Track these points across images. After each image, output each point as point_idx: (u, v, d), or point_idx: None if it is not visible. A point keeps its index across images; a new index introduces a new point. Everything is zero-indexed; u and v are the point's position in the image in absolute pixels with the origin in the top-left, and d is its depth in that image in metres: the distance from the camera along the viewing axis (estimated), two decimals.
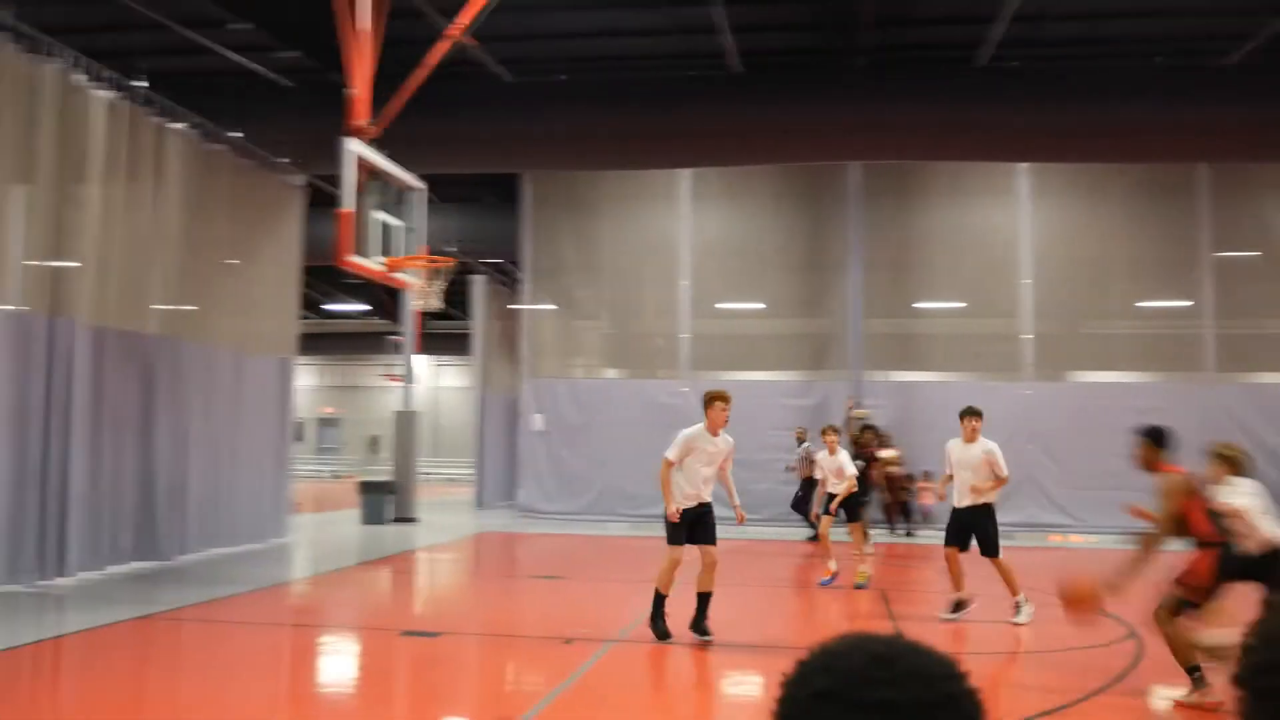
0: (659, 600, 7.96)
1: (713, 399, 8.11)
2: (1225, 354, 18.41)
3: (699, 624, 7.94)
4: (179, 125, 12.57)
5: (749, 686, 7.30)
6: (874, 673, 1.05)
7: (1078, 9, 13.95)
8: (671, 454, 7.98)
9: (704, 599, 7.99)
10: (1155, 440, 6.62)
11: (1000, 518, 18.35)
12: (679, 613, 7.96)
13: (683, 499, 7.97)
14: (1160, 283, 19.13)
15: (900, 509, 17.97)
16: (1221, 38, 14.69)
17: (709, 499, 8.13)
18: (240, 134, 14.08)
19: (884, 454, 17.74)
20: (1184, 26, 14.63)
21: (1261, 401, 18.20)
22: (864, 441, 15.10)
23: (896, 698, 1.03)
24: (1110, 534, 17.32)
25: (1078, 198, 18.78)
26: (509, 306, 24.50)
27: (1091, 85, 14.39)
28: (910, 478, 18.01)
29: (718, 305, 20.35)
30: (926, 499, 17.84)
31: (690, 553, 7.96)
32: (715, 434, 8.06)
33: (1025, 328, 18.66)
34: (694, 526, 8.01)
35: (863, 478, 14.94)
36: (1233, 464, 6.48)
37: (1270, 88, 14.00)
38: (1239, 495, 6.29)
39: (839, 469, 11.70)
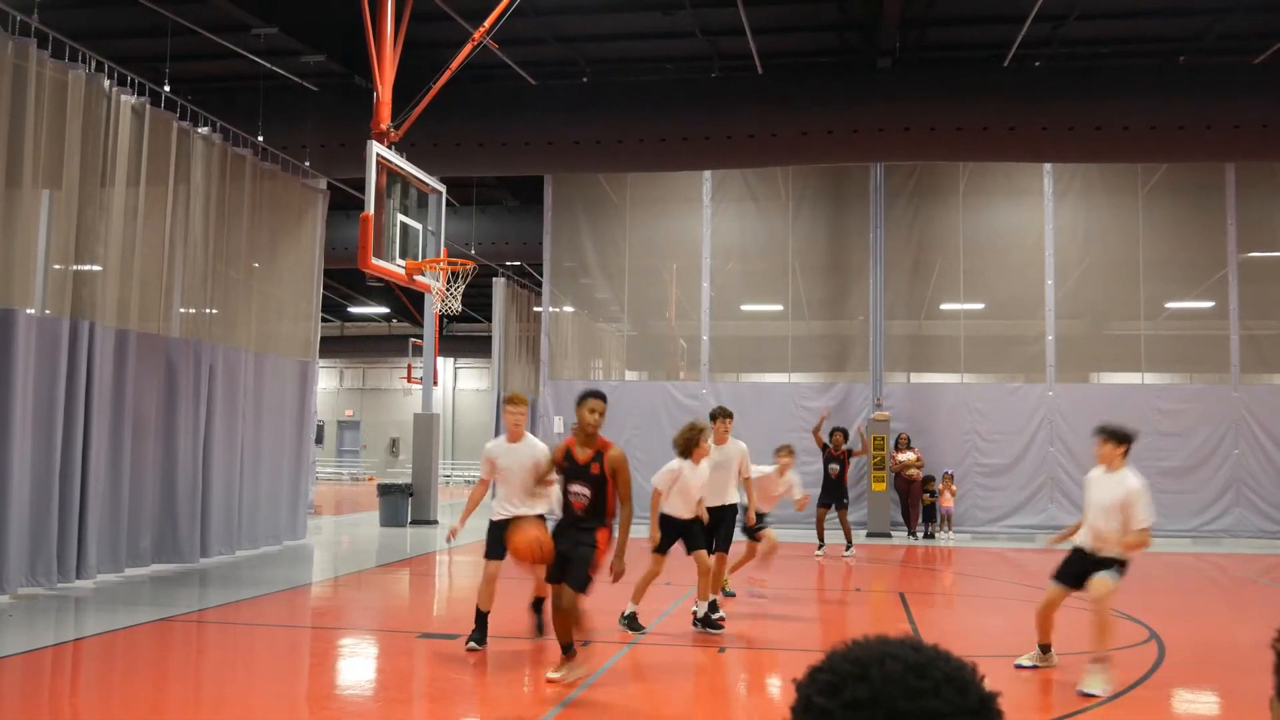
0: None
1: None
2: (1250, 355, 18.25)
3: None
4: (203, 130, 12.64)
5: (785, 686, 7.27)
6: (913, 681, 1.02)
7: (1102, 8, 13.87)
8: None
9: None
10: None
11: (1021, 519, 18.42)
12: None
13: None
14: (1185, 284, 19.00)
15: (922, 512, 17.88)
16: (1247, 36, 14.56)
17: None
18: (263, 138, 14.16)
19: (903, 457, 17.67)
20: (1209, 25, 14.51)
21: None
22: (834, 443, 14.98)
23: (939, 707, 1.01)
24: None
25: (1101, 198, 18.66)
26: (529, 309, 24.55)
27: (1115, 85, 14.30)
28: (931, 480, 17.92)
29: (738, 307, 20.33)
30: (946, 501, 17.77)
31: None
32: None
33: (1048, 329, 18.55)
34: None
35: (839, 480, 15.01)
36: None
37: None
38: None
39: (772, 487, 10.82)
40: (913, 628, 9.20)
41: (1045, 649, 7.41)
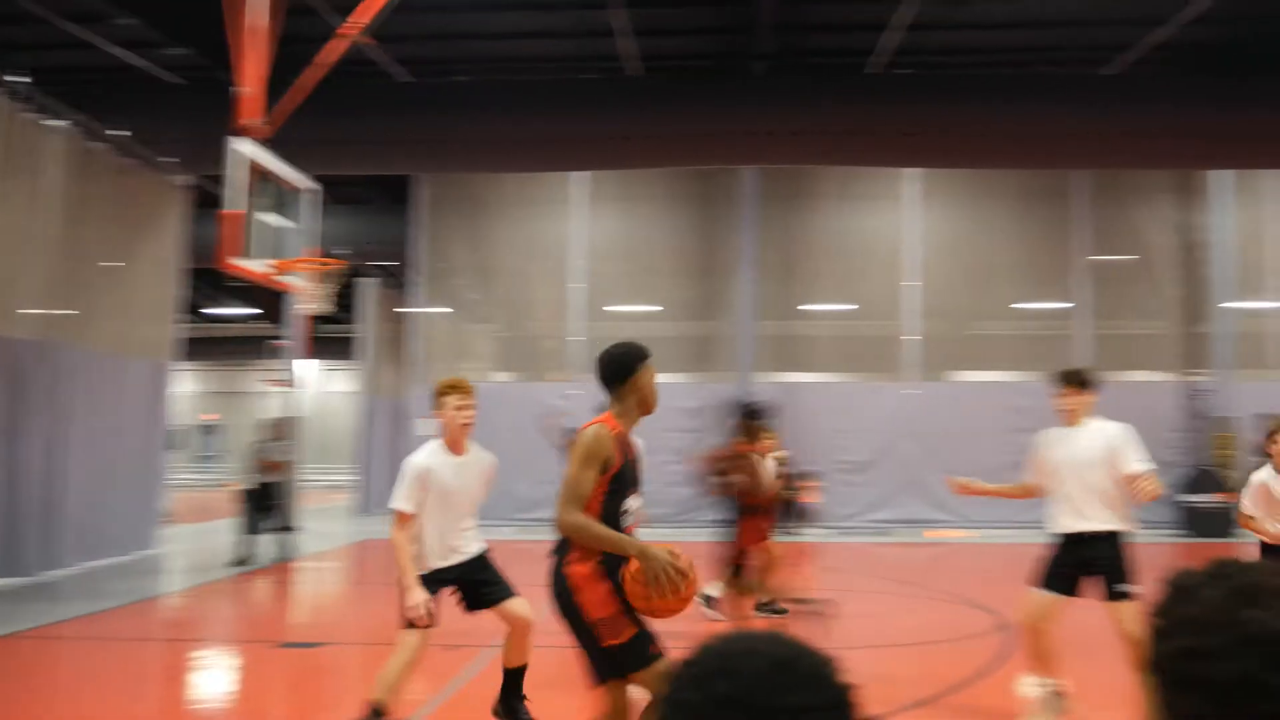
0: None
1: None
2: (1101, 354, 19.14)
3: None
4: (58, 123, 12.09)
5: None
6: (777, 677, 1.04)
7: (962, 19, 14.34)
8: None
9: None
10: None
11: (881, 515, 18.93)
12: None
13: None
14: (1040, 285, 19.81)
15: (787, 509, 18.19)
16: (1097, 48, 15.27)
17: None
18: (124, 132, 13.62)
19: (774, 455, 17.96)
20: (1061, 37, 15.16)
21: (1135, 400, 18.93)
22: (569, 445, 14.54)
23: (802, 702, 1.03)
24: (989, 528, 17.87)
25: (962, 202, 19.34)
26: (399, 310, 24.19)
27: (974, 93, 14.79)
28: (798, 476, 18.29)
29: (610, 308, 20.40)
30: (809, 497, 18.16)
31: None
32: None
33: (911, 329, 19.11)
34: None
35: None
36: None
37: (1145, 97, 14.55)
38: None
39: None
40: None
41: (1050, 684, 5.94)
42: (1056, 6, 14.22)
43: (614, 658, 3.94)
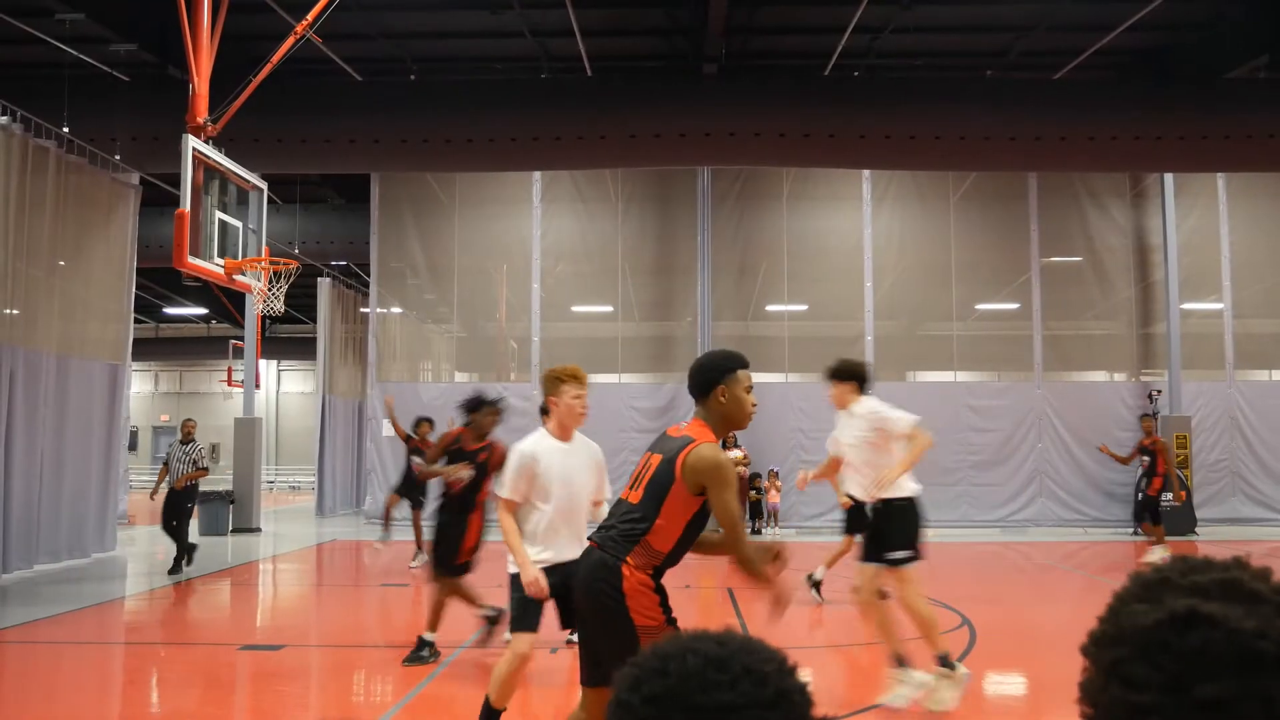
0: None
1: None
2: (1051, 354, 19.40)
3: None
4: (4, 119, 11.90)
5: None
6: (710, 675, 1.05)
7: (915, 22, 14.47)
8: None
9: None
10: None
11: (842, 514, 19.06)
12: None
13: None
14: (993, 286, 20.03)
15: (748, 508, 18.31)
16: (1046, 54, 15.49)
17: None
18: (69, 129, 13.42)
19: (732, 454, 18.06)
20: (1012, 42, 15.36)
21: (1082, 399, 19.22)
22: (420, 434, 13.60)
23: (733, 700, 1.04)
24: (946, 527, 18.04)
25: (916, 204, 19.50)
26: (356, 310, 24.04)
27: (928, 97, 14.95)
28: (758, 477, 18.39)
29: (569, 308, 20.38)
30: (773, 497, 18.25)
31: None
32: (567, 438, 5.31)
33: (867, 329, 19.25)
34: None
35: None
36: None
37: (1092, 101, 14.78)
38: None
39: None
40: (740, 622, 9.42)
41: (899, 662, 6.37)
42: (1003, 11, 14.44)
43: None
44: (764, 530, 18.15)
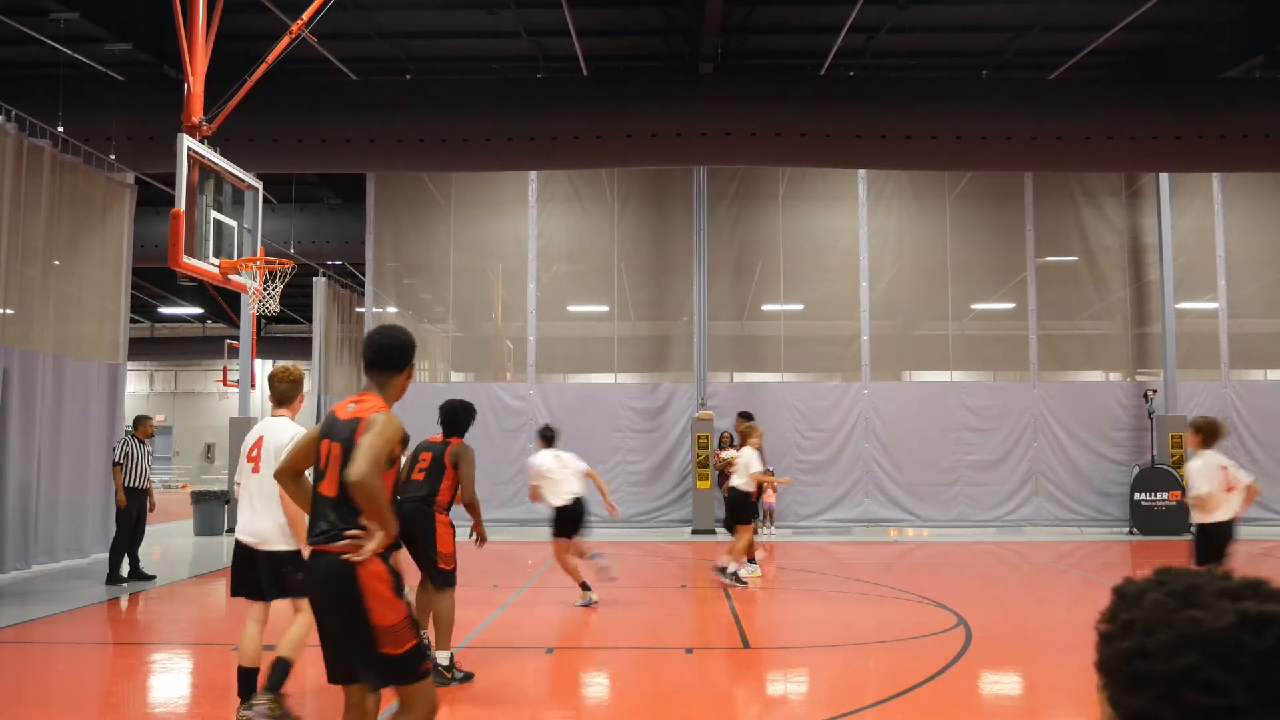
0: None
1: None
2: (1046, 354, 19.42)
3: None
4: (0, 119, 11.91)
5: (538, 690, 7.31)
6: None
7: (911, 22, 14.50)
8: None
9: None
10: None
11: (839, 514, 19.07)
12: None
13: None
14: (989, 286, 20.06)
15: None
16: (1042, 53, 15.52)
17: None
18: (65, 129, 13.40)
19: (726, 454, 18.04)
20: (1008, 41, 15.39)
21: (1077, 399, 19.24)
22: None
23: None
24: (942, 526, 18.07)
25: (911, 204, 19.51)
26: (351, 309, 24.01)
27: (924, 96, 14.96)
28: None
29: (565, 308, 20.37)
30: (770, 497, 18.24)
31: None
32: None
33: (863, 329, 19.26)
34: None
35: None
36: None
37: (1089, 101, 14.80)
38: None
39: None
40: (736, 622, 9.42)
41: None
42: (999, 11, 14.46)
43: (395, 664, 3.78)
44: (759, 530, 18.13)
